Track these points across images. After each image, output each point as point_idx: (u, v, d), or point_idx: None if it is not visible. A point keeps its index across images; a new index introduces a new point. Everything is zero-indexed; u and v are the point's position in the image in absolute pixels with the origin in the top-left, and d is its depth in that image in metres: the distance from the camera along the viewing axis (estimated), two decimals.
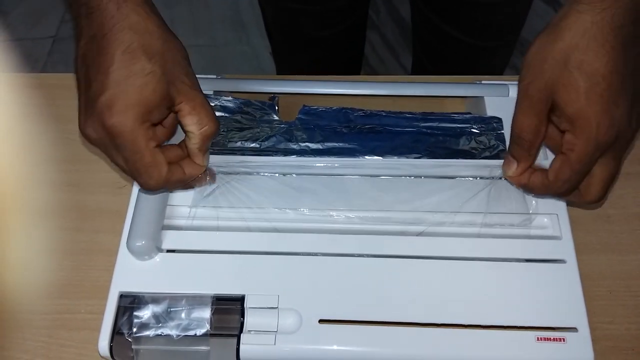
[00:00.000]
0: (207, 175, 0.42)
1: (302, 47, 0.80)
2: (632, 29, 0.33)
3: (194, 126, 0.37)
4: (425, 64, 0.82)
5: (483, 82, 0.51)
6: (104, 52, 0.34)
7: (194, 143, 0.38)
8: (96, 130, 0.35)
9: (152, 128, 0.36)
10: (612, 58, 0.32)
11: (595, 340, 0.38)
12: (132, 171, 0.36)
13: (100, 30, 0.34)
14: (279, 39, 0.82)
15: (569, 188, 0.36)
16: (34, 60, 1.47)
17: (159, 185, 0.37)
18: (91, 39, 0.35)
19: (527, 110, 0.35)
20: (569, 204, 0.43)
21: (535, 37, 0.35)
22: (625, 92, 0.33)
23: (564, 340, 0.37)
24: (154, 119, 0.36)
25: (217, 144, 0.47)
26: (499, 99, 0.49)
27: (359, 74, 0.94)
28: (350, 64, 0.89)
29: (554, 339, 0.38)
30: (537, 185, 0.38)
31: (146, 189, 0.38)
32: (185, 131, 0.38)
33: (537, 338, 0.37)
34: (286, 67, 0.88)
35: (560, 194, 0.38)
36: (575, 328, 0.38)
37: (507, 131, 0.47)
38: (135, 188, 0.44)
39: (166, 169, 0.36)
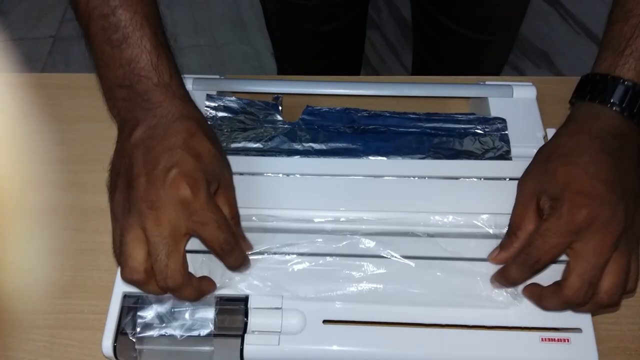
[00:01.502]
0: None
1: (302, 43, 0.80)
2: (613, 140, 0.37)
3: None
4: (426, 59, 0.82)
5: (487, 82, 0.51)
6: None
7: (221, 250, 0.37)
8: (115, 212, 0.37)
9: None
10: (593, 153, 0.36)
11: (599, 340, 0.38)
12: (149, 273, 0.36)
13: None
14: (279, 35, 0.82)
15: (538, 256, 0.36)
16: (34, 60, 1.46)
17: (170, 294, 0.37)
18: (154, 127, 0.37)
19: (518, 203, 0.40)
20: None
21: None
22: (613, 186, 0.35)
23: (568, 341, 0.37)
24: None
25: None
26: (503, 100, 0.49)
27: (359, 70, 0.94)
28: (350, 61, 0.89)
29: (558, 339, 0.37)
30: (511, 264, 0.37)
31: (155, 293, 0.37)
32: None
33: (542, 339, 0.37)
34: (287, 63, 0.88)
35: (531, 267, 0.36)
36: (579, 329, 0.38)
37: (511, 132, 0.47)
38: None
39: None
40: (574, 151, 0.37)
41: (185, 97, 0.39)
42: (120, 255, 0.36)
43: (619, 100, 0.37)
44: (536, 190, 0.38)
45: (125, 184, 0.36)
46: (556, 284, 0.37)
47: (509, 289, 0.39)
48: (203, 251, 0.40)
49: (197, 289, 0.37)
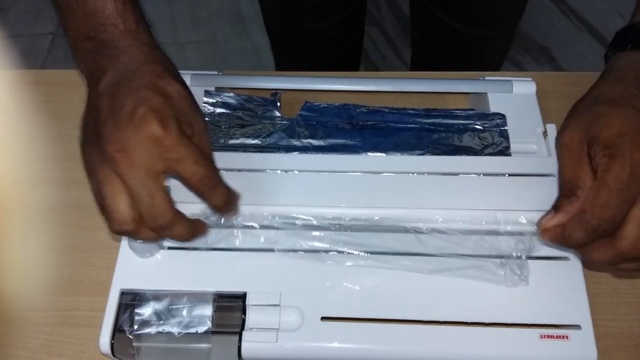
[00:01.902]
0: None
1: (300, 39, 0.80)
2: None
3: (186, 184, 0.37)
4: (424, 55, 0.82)
5: (486, 78, 0.51)
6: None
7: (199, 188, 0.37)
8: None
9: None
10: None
11: (598, 337, 0.38)
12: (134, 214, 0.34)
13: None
14: (277, 31, 0.82)
15: (609, 216, 0.32)
16: (34, 57, 1.46)
17: (160, 235, 0.36)
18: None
19: (567, 158, 0.36)
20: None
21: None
22: None
23: (567, 338, 0.37)
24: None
25: (218, 140, 0.47)
26: (503, 95, 0.49)
27: (358, 67, 0.94)
28: (349, 57, 0.89)
29: (557, 336, 0.37)
30: (574, 226, 0.34)
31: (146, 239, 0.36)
32: None
33: (541, 335, 0.37)
34: (285, 60, 0.88)
35: (602, 230, 0.33)
36: (578, 326, 0.38)
37: (510, 128, 0.47)
38: None
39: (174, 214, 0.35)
40: (624, 95, 0.35)
41: (152, 44, 0.37)
42: (103, 210, 0.34)
43: None
44: (585, 138, 0.35)
45: (94, 135, 0.35)
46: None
47: (519, 271, 0.38)
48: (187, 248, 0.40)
49: (188, 227, 0.36)
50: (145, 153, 0.33)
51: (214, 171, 0.35)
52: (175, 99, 0.35)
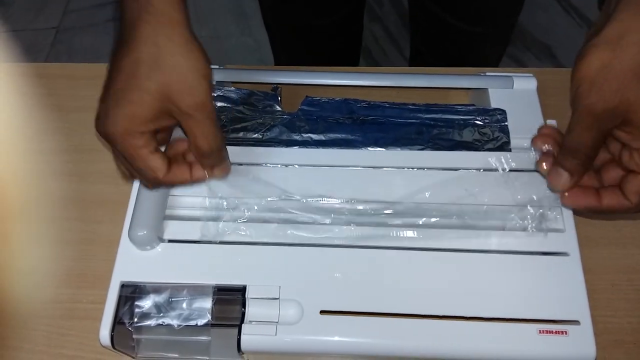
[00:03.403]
0: (220, 172, 0.41)
1: (299, 36, 0.80)
2: None
3: (191, 143, 0.38)
4: (422, 51, 0.82)
5: (487, 73, 0.51)
6: (119, 55, 0.35)
7: (194, 155, 0.39)
8: (99, 132, 0.37)
9: (147, 136, 0.37)
10: None
11: (597, 333, 0.38)
12: (131, 171, 0.39)
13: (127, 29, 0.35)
14: (276, 27, 0.82)
15: None
16: (37, 51, 1.46)
17: (156, 186, 0.40)
18: (121, 36, 0.36)
19: (591, 127, 0.35)
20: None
21: (590, 50, 0.34)
22: None
23: (566, 333, 0.37)
24: (149, 129, 0.37)
25: None
26: (503, 91, 0.49)
27: (357, 64, 0.94)
28: (348, 54, 0.89)
29: (556, 332, 0.37)
30: (615, 207, 0.36)
31: (146, 186, 0.41)
32: None
33: (539, 331, 0.37)
34: (284, 57, 0.88)
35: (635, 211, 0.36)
36: (577, 321, 0.38)
37: (511, 123, 0.47)
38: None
39: (163, 172, 0.38)
40: None
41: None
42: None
43: None
44: (620, 115, 0.34)
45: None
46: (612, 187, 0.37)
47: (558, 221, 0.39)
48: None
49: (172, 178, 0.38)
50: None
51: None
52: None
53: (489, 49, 0.77)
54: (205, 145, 0.38)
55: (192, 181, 0.40)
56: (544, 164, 0.39)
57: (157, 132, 0.38)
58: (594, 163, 0.37)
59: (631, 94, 0.33)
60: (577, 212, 0.42)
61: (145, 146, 0.37)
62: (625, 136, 0.35)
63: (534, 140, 0.40)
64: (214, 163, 0.40)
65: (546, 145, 0.39)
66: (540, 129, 0.40)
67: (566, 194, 0.37)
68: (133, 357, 0.41)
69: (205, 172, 0.40)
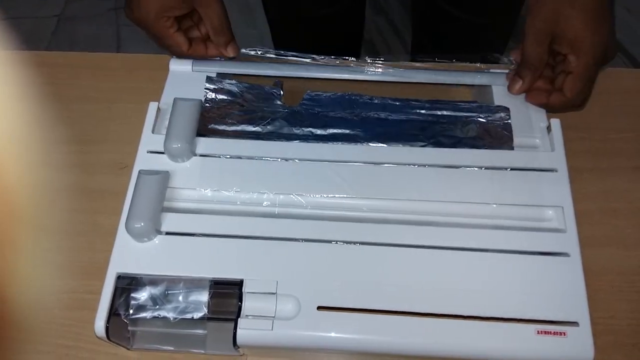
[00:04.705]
0: (230, 50, 0.51)
1: (300, 27, 0.79)
2: None
3: (207, 24, 0.50)
4: (425, 44, 0.81)
5: (491, 70, 0.50)
6: None
7: (209, 33, 0.51)
8: (130, 19, 0.49)
9: (172, 19, 0.48)
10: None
11: (596, 335, 0.37)
12: (161, 47, 0.51)
13: None
14: (277, 18, 0.81)
15: (583, 98, 0.46)
16: (38, 39, 1.45)
17: (183, 57, 0.51)
18: None
19: (534, 40, 0.46)
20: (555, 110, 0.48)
21: None
22: (607, 20, 0.44)
23: (564, 335, 0.37)
24: (174, 14, 0.48)
25: (219, 127, 0.47)
26: (507, 88, 0.48)
27: (358, 56, 0.93)
28: (349, 46, 0.88)
29: (554, 332, 0.37)
30: (557, 103, 0.46)
31: (176, 55, 0.52)
32: None
33: (538, 331, 0.37)
34: (285, 49, 0.87)
35: (576, 106, 0.47)
36: (576, 322, 0.37)
37: (514, 121, 0.46)
38: (136, 169, 0.43)
39: (186, 47, 0.50)
40: None
41: None
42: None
43: None
44: (552, 28, 0.45)
45: None
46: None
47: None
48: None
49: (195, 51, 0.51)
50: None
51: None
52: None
53: (490, 41, 0.77)
54: (217, 23, 0.49)
55: (208, 56, 0.51)
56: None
57: (180, 19, 0.49)
58: (549, 72, 0.48)
59: (558, 11, 0.44)
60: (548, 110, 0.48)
61: (171, 27, 0.49)
62: (560, 48, 0.45)
63: (510, 53, 0.51)
64: (225, 41, 0.50)
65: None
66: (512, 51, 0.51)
67: (529, 93, 0.48)
68: (128, 349, 0.41)
69: (219, 50, 0.51)
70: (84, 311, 0.43)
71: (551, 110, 0.47)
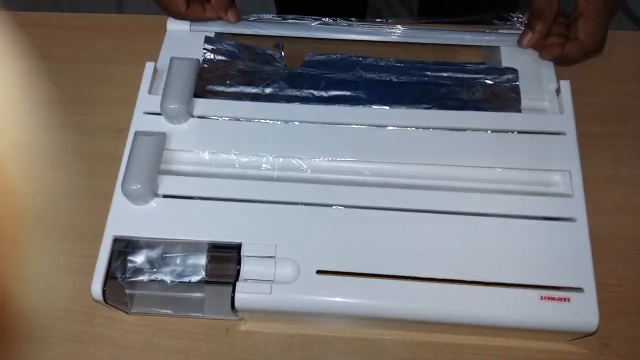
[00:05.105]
0: (230, 15, 0.49)
1: None
2: None
3: None
4: (430, 7, 0.78)
5: (499, 30, 0.49)
6: None
7: None
8: None
9: None
10: None
11: (600, 302, 0.36)
12: (158, 5, 0.50)
13: None
14: None
15: (599, 41, 0.45)
16: (40, 5, 1.43)
17: (179, 18, 0.50)
18: None
19: None
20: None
21: None
22: None
23: (568, 300, 0.36)
24: None
25: (217, 89, 0.45)
26: (515, 49, 0.47)
27: (364, 17, 0.90)
28: (353, 13, 0.85)
29: (557, 298, 0.36)
30: (574, 50, 0.45)
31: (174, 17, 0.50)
32: None
33: (541, 297, 0.36)
34: (287, 8, 0.84)
35: (594, 50, 0.46)
36: (581, 288, 0.37)
37: (522, 83, 0.44)
38: (132, 131, 0.42)
39: (183, 7, 0.48)
40: None
41: None
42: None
43: None
44: None
45: None
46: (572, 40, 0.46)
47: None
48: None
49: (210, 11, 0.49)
50: None
51: None
52: None
53: (498, 4, 0.74)
54: None
55: (205, 18, 0.49)
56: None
57: None
58: (562, 30, 0.46)
59: None
60: (556, 63, 0.47)
61: None
62: None
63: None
64: (226, 4, 0.49)
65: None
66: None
67: (542, 49, 0.47)
68: (127, 313, 0.40)
69: (218, 13, 0.49)
70: (80, 275, 0.43)
71: (568, 61, 0.46)
